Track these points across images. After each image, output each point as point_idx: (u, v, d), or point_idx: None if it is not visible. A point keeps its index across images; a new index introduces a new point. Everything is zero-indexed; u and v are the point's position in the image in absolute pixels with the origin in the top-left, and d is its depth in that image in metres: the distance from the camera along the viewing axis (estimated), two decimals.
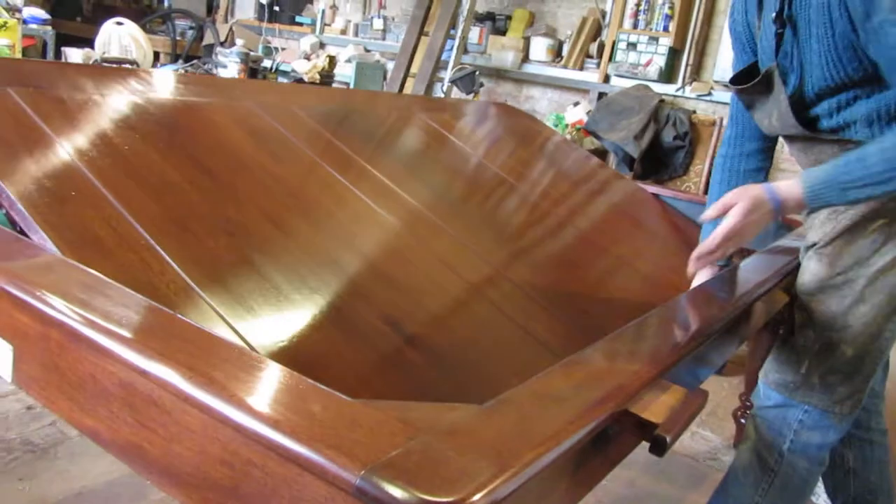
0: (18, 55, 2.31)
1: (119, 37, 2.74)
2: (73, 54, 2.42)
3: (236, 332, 0.83)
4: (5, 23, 2.35)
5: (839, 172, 1.12)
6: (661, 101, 4.05)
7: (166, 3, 6.80)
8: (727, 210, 1.20)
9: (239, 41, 3.39)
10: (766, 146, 1.44)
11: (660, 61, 4.26)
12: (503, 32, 4.95)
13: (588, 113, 4.22)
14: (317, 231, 1.17)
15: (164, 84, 1.39)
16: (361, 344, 0.92)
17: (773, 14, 1.19)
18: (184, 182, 1.09)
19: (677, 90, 4.24)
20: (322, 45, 5.29)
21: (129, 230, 0.90)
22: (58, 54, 4.19)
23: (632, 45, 4.37)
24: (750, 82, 1.27)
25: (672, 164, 3.90)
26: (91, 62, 2.31)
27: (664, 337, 0.91)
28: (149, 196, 1.01)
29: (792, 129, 1.25)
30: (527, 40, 4.82)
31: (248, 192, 1.15)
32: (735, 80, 1.34)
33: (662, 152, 3.88)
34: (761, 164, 1.45)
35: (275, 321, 0.90)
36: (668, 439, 0.71)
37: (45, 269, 0.74)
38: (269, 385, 0.60)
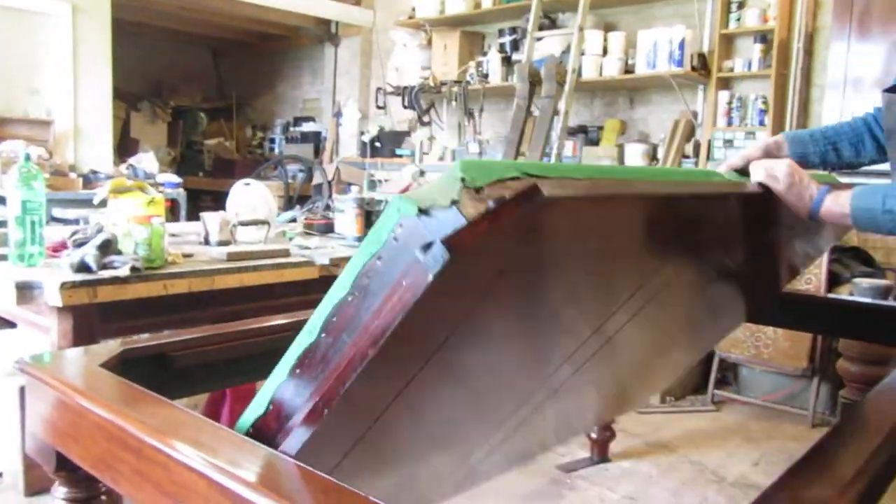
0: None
1: (247, 197, 3.01)
2: (210, 219, 2.66)
3: None
4: (152, 199, 2.55)
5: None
6: None
7: (277, 151, 7.39)
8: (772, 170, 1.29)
9: (354, 188, 3.63)
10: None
11: None
12: (597, 143, 5.07)
13: None
14: None
15: None
16: None
17: None
18: None
19: None
20: (422, 173, 5.57)
21: None
22: (190, 213, 4.60)
23: (728, 142, 4.38)
24: None
25: None
26: (230, 227, 2.54)
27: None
28: None
29: None
30: (621, 147, 4.91)
31: None
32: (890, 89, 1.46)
33: None
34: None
35: None
36: None
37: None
38: None
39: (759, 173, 1.31)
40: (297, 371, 0.87)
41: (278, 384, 0.89)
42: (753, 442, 3.25)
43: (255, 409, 0.95)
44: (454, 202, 0.70)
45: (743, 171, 1.39)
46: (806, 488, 0.87)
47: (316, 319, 0.85)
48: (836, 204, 1.25)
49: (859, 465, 0.95)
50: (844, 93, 3.78)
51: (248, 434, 0.95)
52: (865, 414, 1.17)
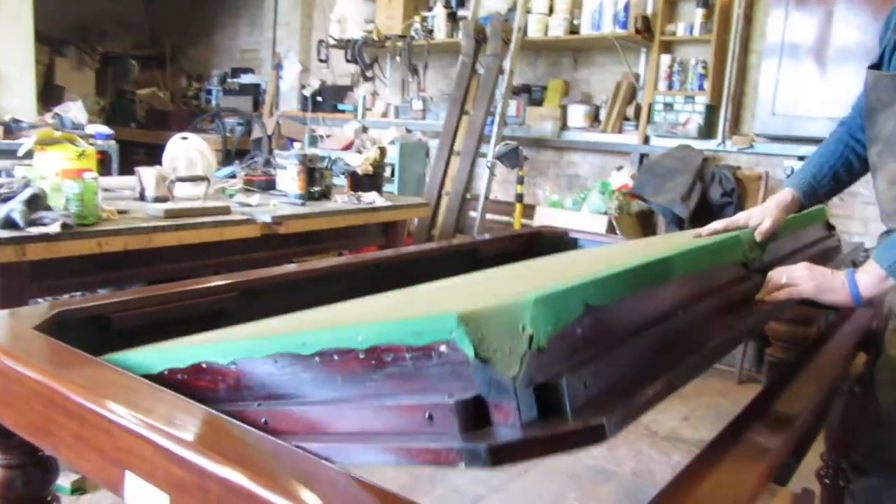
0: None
1: (185, 151, 2.91)
2: (146, 174, 2.56)
3: None
4: (83, 152, 2.43)
5: None
6: (705, 159, 4.09)
7: (214, 103, 7.15)
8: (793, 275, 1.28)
9: (297, 144, 3.55)
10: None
11: (698, 119, 4.32)
12: (540, 103, 5.08)
13: (633, 177, 4.28)
14: None
15: None
16: None
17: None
18: None
19: (718, 145, 4.29)
20: (365, 129, 5.49)
21: None
22: (122, 166, 4.42)
23: (668, 106, 4.45)
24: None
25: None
26: (167, 183, 2.46)
27: (764, 439, 0.94)
28: None
29: None
30: (563, 108, 4.94)
31: None
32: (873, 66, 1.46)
33: (711, 210, 3.90)
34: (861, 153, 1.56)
35: None
36: None
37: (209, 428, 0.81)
38: None
39: (782, 292, 1.29)
40: (276, 361, 0.86)
41: (250, 354, 0.88)
42: (683, 398, 3.38)
43: (214, 354, 0.93)
44: (514, 377, 0.65)
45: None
46: (740, 449, 0.91)
47: (314, 339, 0.83)
48: (868, 275, 1.23)
49: (790, 423, 1.00)
50: (781, 60, 3.88)
51: (193, 367, 0.94)
52: (796, 377, 1.23)
